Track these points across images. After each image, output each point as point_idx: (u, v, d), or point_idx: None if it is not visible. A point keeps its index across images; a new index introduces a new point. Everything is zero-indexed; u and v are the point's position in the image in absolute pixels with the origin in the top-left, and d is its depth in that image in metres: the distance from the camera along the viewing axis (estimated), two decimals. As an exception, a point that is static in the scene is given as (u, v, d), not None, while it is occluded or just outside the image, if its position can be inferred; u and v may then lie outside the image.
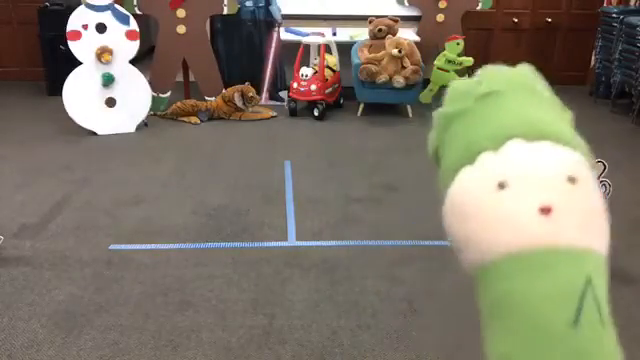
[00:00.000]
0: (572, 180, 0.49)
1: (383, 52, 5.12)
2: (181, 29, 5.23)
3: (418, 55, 5.18)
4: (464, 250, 0.53)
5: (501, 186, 0.49)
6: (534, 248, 0.48)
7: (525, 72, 0.56)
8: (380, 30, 5.23)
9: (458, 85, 0.58)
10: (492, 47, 6.43)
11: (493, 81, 0.55)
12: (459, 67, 5.46)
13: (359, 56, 5.26)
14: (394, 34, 5.21)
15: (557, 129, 0.52)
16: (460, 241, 0.53)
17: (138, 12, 5.07)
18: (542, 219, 0.48)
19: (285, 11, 5.75)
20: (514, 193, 0.49)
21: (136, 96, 4.84)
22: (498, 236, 0.49)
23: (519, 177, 0.49)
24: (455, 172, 0.55)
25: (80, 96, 4.69)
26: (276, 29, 5.63)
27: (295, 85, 5.21)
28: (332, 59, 5.45)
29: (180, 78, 5.50)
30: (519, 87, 0.55)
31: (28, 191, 3.70)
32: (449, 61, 5.40)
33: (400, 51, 5.03)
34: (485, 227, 0.51)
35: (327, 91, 5.24)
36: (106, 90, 4.76)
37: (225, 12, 5.31)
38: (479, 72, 0.57)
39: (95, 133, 4.77)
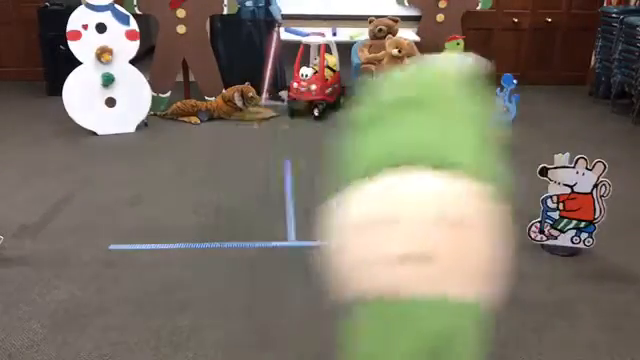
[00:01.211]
0: (447, 221, 0.45)
1: (383, 52, 5.12)
2: (181, 29, 5.23)
3: (418, 55, 5.18)
4: (338, 280, 0.50)
5: (368, 224, 0.46)
6: (391, 297, 0.45)
7: (451, 72, 0.51)
8: (380, 30, 5.23)
9: (381, 85, 0.53)
10: (492, 47, 6.42)
11: (411, 84, 0.51)
12: (459, 67, 5.46)
13: (359, 56, 5.26)
14: (394, 34, 5.21)
15: (448, 153, 0.47)
16: (334, 270, 0.50)
17: (138, 12, 5.07)
18: (402, 266, 0.44)
19: (285, 11, 5.74)
20: (379, 233, 0.45)
21: (136, 96, 4.84)
22: (361, 279, 0.47)
23: (386, 216, 0.45)
24: (344, 189, 0.50)
25: (80, 96, 4.69)
26: (276, 29, 5.63)
27: (295, 85, 5.21)
28: (332, 59, 5.45)
29: (180, 78, 5.50)
30: (436, 94, 0.50)
31: (28, 191, 3.70)
32: (449, 61, 5.40)
33: (400, 51, 5.03)
34: (351, 267, 0.48)
35: (327, 91, 5.24)
36: (106, 90, 4.76)
37: (225, 12, 5.31)
38: (409, 64, 0.52)
39: (95, 133, 4.77)
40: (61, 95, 4.66)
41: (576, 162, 2.84)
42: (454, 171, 0.46)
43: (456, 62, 0.53)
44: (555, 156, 2.87)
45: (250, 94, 5.20)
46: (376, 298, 0.45)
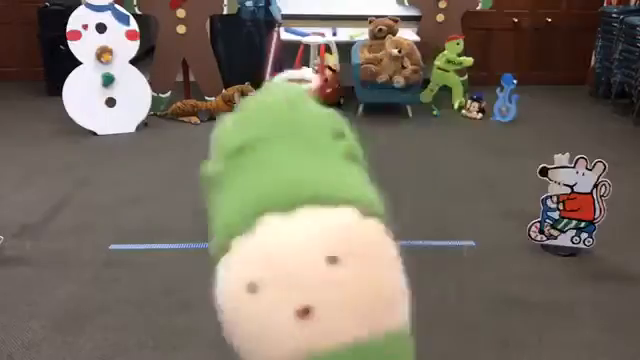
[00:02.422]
0: (333, 260, 0.39)
1: (383, 52, 5.11)
2: (181, 29, 5.22)
3: (418, 55, 5.17)
4: (239, 353, 0.45)
5: (252, 289, 0.41)
6: (299, 358, 0.40)
7: (281, 100, 0.44)
8: (380, 30, 5.23)
9: (219, 133, 0.47)
10: (492, 47, 6.43)
11: (246, 126, 0.46)
12: (459, 67, 5.46)
13: (359, 56, 5.26)
14: (394, 34, 5.21)
15: (316, 186, 0.42)
16: (234, 345, 0.45)
17: (138, 12, 5.07)
18: (301, 323, 0.39)
19: (285, 11, 5.74)
20: (266, 297, 0.40)
21: (136, 96, 4.83)
22: (261, 350, 0.42)
23: (269, 276, 0.40)
24: (216, 260, 0.45)
25: (80, 96, 4.68)
26: (276, 29, 5.63)
27: (295, 85, 5.21)
28: (332, 59, 5.44)
29: (180, 78, 5.50)
30: (275, 128, 0.45)
31: (28, 191, 3.70)
32: (449, 61, 5.40)
33: (400, 51, 5.03)
34: (246, 339, 0.43)
35: (327, 91, 5.24)
36: (106, 90, 4.76)
37: (225, 12, 5.31)
38: (243, 105, 0.46)
39: (95, 133, 4.77)
40: (61, 95, 4.66)
41: (576, 162, 2.84)
42: (328, 203, 0.42)
43: (287, 87, 0.48)
44: (555, 156, 2.87)
45: (250, 94, 5.19)
46: None
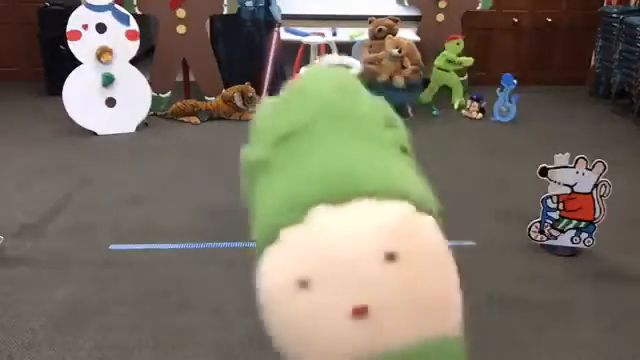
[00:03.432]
0: (391, 257, 0.35)
1: (383, 52, 5.11)
2: (181, 29, 5.22)
3: (418, 55, 5.17)
4: (284, 353, 0.42)
5: (303, 285, 0.36)
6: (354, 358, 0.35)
7: (333, 87, 0.41)
8: (380, 30, 5.23)
9: (260, 118, 0.43)
10: (492, 47, 6.43)
11: (295, 112, 0.41)
12: (459, 67, 5.46)
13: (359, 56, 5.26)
14: (394, 34, 5.21)
15: (368, 179, 0.37)
16: (278, 343, 0.42)
17: (138, 12, 5.07)
18: (357, 323, 0.35)
19: (285, 11, 5.74)
20: (319, 294, 0.36)
21: (136, 96, 4.84)
22: (312, 349, 0.37)
23: (322, 271, 0.35)
24: (261, 251, 0.42)
25: (80, 96, 4.68)
26: (276, 29, 5.63)
27: (295, 85, 5.21)
28: (332, 59, 5.44)
29: (180, 78, 5.50)
30: (326, 116, 0.39)
31: (28, 191, 3.70)
32: (449, 61, 5.40)
33: (400, 51, 5.03)
34: (295, 337, 0.37)
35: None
36: (106, 90, 4.76)
37: (225, 12, 5.32)
38: (285, 90, 0.43)
39: (95, 133, 4.77)
40: (61, 95, 4.66)
41: (576, 162, 2.84)
42: (380, 196, 0.37)
43: (336, 72, 0.46)
44: (555, 156, 2.87)
45: (250, 94, 5.20)
46: None
